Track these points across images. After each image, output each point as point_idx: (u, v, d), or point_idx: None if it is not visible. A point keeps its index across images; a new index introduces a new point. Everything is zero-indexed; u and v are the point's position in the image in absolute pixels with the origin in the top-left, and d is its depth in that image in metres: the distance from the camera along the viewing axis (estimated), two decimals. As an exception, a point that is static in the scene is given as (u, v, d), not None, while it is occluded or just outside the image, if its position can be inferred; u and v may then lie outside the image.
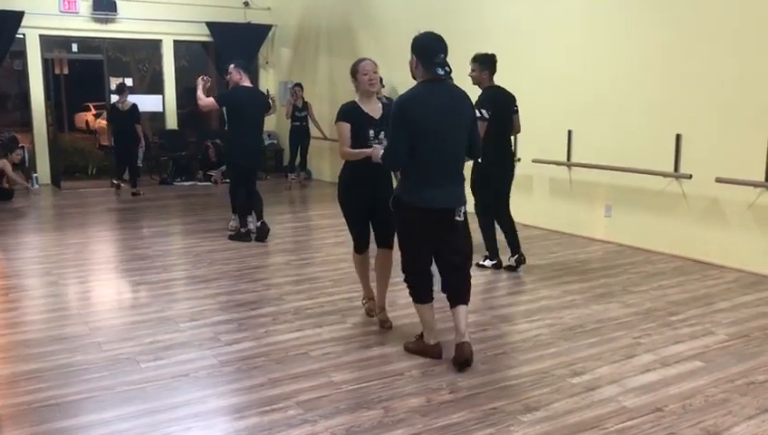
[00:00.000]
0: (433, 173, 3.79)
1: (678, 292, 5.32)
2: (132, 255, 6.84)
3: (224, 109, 7.27)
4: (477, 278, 5.82)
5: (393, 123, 3.83)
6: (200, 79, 7.31)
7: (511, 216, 6.13)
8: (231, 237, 7.36)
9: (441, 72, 3.77)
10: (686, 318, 4.69)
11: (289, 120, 11.18)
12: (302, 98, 11.12)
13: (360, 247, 4.60)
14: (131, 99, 10.74)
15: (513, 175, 6.10)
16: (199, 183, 12.13)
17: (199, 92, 7.17)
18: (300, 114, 11.11)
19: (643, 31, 6.61)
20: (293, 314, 4.81)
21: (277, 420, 3.21)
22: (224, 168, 11.77)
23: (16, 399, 3.45)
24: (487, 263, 6.06)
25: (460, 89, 4.00)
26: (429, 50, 3.81)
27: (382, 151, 4.03)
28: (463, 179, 3.95)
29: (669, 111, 6.40)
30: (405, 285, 4.05)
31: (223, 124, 7.79)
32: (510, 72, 7.88)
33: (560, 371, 3.79)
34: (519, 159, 8.01)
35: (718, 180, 5.91)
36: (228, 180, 10.21)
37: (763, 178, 5.67)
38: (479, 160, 5.71)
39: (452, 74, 3.85)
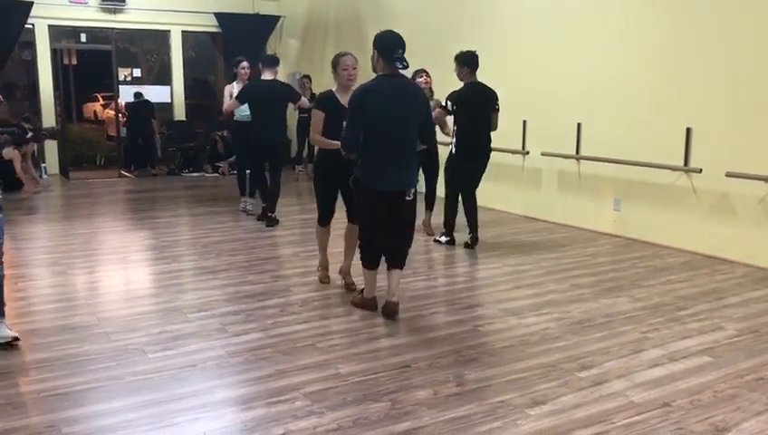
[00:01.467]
0: (387, 159, 4.29)
1: (687, 286, 5.30)
2: (140, 245, 6.86)
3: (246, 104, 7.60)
4: (483, 271, 5.83)
5: (351, 111, 4.26)
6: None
7: (476, 200, 6.52)
8: (258, 219, 7.76)
9: (399, 65, 4.21)
10: (695, 313, 4.67)
11: (296, 112, 11.17)
12: (310, 89, 11.10)
13: (324, 221, 5.20)
14: (137, 89, 11.40)
15: (484, 167, 6.47)
16: (207, 174, 12.16)
17: (226, 104, 7.73)
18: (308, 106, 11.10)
19: (654, 24, 6.55)
20: (301, 306, 4.81)
21: (284, 412, 3.21)
22: (232, 159, 11.80)
23: (25, 388, 3.46)
24: (443, 239, 6.61)
25: (414, 83, 4.59)
26: (389, 46, 4.23)
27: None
28: (414, 164, 4.46)
29: (680, 104, 6.35)
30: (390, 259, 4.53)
31: (232, 115, 7.97)
32: (519, 66, 7.87)
33: (567, 365, 3.78)
34: (528, 152, 8.01)
35: (729, 175, 5.87)
36: (234, 172, 10.23)
37: (773, 173, 5.63)
38: (452, 152, 6.37)
39: (408, 68, 4.30)
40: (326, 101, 4.79)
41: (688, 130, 6.27)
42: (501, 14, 8.22)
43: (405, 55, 4.27)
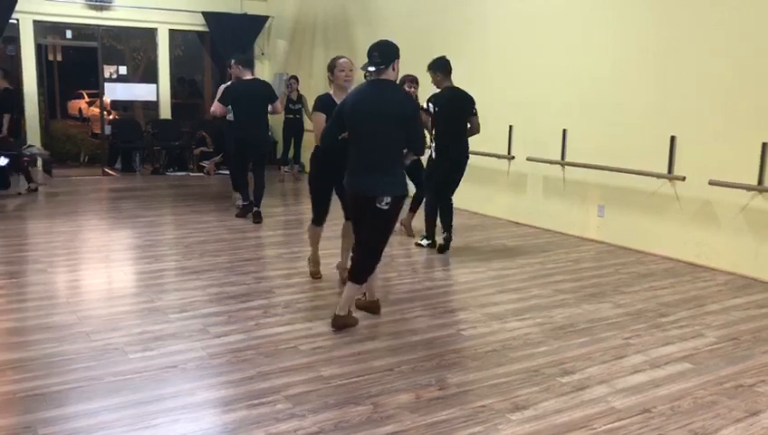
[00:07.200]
0: (361, 163, 4.29)
1: (669, 293, 5.33)
2: (123, 244, 6.80)
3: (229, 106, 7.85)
4: (467, 275, 5.83)
5: (335, 111, 4.42)
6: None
7: (451, 202, 6.55)
8: (237, 215, 7.91)
9: (368, 67, 4.26)
10: (677, 320, 4.70)
11: (283, 113, 11.14)
12: (297, 90, 11.09)
13: (317, 221, 5.31)
14: (122, 87, 11.06)
15: (462, 171, 6.51)
16: (191, 173, 12.09)
17: (214, 106, 7.89)
18: (294, 107, 11.08)
19: (639, 32, 6.60)
20: (284, 308, 4.79)
21: (265, 414, 3.19)
22: (217, 158, 11.74)
23: (1, 388, 3.41)
24: (424, 242, 6.67)
25: (399, 90, 4.45)
26: (368, 51, 4.27)
27: None
28: (393, 171, 4.28)
29: (664, 112, 6.40)
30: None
31: (224, 115, 8.08)
32: (506, 70, 7.90)
33: (549, 370, 3.79)
34: (513, 157, 8.04)
35: (711, 183, 5.92)
36: (220, 172, 10.25)
37: (755, 182, 5.68)
38: (431, 157, 6.44)
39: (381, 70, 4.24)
40: (325, 103, 4.87)
41: (672, 138, 6.32)
42: (488, 18, 8.24)
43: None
